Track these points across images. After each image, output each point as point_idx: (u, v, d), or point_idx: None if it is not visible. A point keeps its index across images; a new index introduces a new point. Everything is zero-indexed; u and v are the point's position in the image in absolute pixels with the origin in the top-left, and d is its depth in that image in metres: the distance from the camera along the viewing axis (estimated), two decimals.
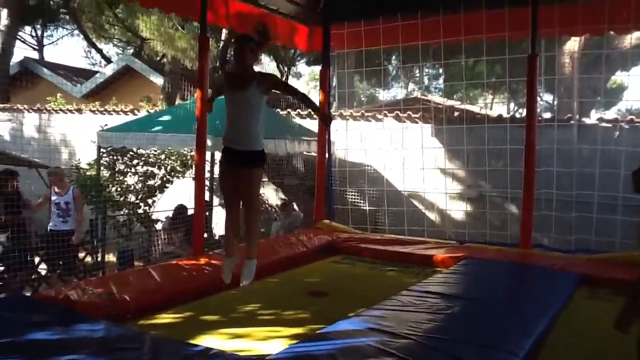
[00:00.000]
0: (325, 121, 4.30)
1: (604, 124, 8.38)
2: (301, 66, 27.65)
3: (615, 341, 3.26)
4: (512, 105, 23.53)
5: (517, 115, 9.82)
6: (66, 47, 66.32)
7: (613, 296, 4.90)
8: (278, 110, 11.25)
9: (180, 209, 8.59)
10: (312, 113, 3.78)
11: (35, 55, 23.74)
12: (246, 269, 4.15)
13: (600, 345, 3.84)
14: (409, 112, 9.76)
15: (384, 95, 24.63)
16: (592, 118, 9.09)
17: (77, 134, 12.26)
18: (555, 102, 14.54)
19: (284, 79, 26.28)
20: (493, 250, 6.53)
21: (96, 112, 12.67)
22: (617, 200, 7.08)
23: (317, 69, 17.03)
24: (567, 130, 8.32)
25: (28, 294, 5.99)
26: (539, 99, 8.04)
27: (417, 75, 21.57)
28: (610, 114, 12.13)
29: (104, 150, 9.07)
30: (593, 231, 6.97)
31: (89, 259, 8.20)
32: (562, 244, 7.11)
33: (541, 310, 4.29)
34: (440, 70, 21.57)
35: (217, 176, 4.51)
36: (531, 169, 6.70)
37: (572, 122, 8.52)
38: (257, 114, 3.99)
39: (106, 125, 9.47)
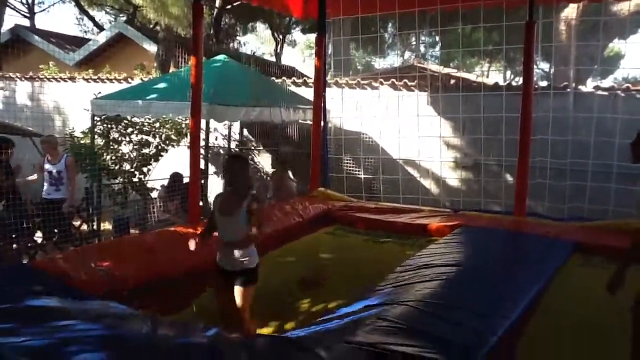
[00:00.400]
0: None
1: (600, 92, 8.36)
2: (296, 34, 27.35)
3: (608, 307, 3.31)
4: (508, 73, 23.43)
5: (514, 84, 9.75)
6: (58, 15, 65.21)
7: (606, 263, 4.96)
8: (273, 78, 11.16)
9: (176, 177, 8.58)
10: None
11: (26, 22, 23.37)
12: None
13: (593, 311, 3.91)
14: (405, 80, 9.69)
15: (380, 63, 24.45)
16: (589, 86, 9.06)
17: (70, 102, 12.15)
18: (552, 70, 14.46)
19: (279, 47, 26.02)
20: (487, 218, 6.57)
21: (89, 80, 12.54)
22: (612, 168, 7.12)
23: (312, 36, 16.82)
24: (563, 99, 8.30)
25: (25, 262, 6.01)
26: (535, 67, 8.00)
27: (414, 42, 21.37)
28: (607, 82, 12.06)
29: (98, 119, 9.00)
30: (586, 199, 7.03)
31: (84, 226, 8.21)
32: (556, 212, 7.17)
33: (534, 277, 4.35)
34: (437, 38, 21.38)
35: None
36: (527, 137, 6.71)
37: (569, 90, 8.49)
38: (245, 234, 3.90)
39: (100, 93, 9.38)
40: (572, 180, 7.43)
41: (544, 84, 9.48)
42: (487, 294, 3.87)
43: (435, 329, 3.12)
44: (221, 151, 10.94)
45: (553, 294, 4.34)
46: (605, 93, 8.35)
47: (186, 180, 7.48)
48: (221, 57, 9.58)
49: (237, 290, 3.89)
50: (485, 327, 3.23)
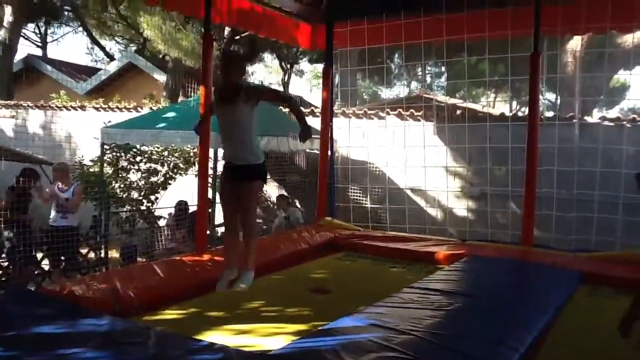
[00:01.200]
0: (303, 137, 4.22)
1: (606, 123, 8.40)
2: (304, 64, 27.66)
3: (616, 338, 3.29)
4: (514, 103, 23.57)
5: (520, 114, 9.82)
6: (69, 45, 66.35)
7: (614, 294, 4.95)
8: (280, 107, 11.27)
9: (181, 205, 8.62)
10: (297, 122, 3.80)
11: (38, 52, 23.81)
12: (243, 277, 4.23)
13: (601, 341, 3.87)
14: (411, 110, 9.78)
15: (386, 93, 24.66)
16: (595, 117, 9.11)
17: (80, 130, 12.31)
18: (558, 101, 14.55)
19: (286, 76, 26.33)
20: (494, 248, 6.56)
21: (99, 109, 12.72)
22: (618, 199, 7.11)
23: (319, 66, 17.04)
24: (569, 129, 8.33)
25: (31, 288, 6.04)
26: (541, 97, 8.06)
27: (420, 73, 21.61)
28: (613, 112, 12.13)
29: (108, 147, 9.12)
30: (594, 231, 7.00)
31: (92, 254, 8.25)
32: (562, 244, 7.13)
33: (542, 307, 4.32)
34: (443, 69, 21.63)
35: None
36: (533, 168, 6.71)
37: (574, 120, 8.53)
38: (249, 129, 4.05)
39: (110, 122, 9.52)
40: (578, 212, 7.41)
41: (550, 114, 9.54)
42: (495, 323, 3.85)
43: None
44: None
45: (561, 323, 4.31)
46: (612, 124, 8.39)
47: (193, 208, 7.52)
48: None
49: (244, 187, 3.98)
50: (493, 358, 3.21)
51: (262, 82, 20.36)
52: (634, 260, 5.72)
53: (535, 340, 3.67)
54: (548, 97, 20.41)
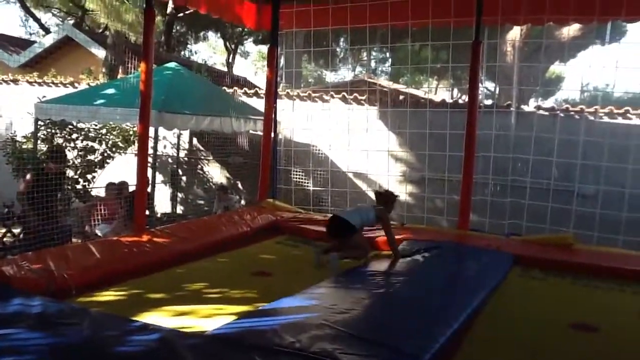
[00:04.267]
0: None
1: (541, 112, 8.72)
2: (248, 44, 27.35)
3: (545, 316, 3.44)
4: (455, 91, 24.09)
5: (460, 101, 10.05)
6: (1, 15, 63.05)
7: (543, 275, 5.20)
8: (224, 87, 11.13)
9: (120, 185, 8.36)
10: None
11: None
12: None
13: (532, 318, 4.05)
14: (355, 94, 9.84)
15: (331, 76, 24.72)
16: (531, 106, 9.43)
17: (12, 105, 11.76)
18: (497, 90, 14.97)
19: (230, 57, 25.96)
20: (432, 232, 6.73)
21: (34, 83, 12.18)
22: (549, 186, 7.42)
23: (264, 48, 16.87)
24: (506, 117, 8.61)
25: None
26: (481, 85, 8.27)
27: (365, 58, 21.73)
28: (549, 102, 12.60)
29: (42, 123, 8.76)
30: (525, 216, 7.29)
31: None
32: (497, 228, 7.40)
33: (476, 287, 4.48)
34: (388, 54, 21.83)
35: None
36: (471, 154, 6.91)
37: (512, 109, 8.81)
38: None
39: (44, 97, 9.14)
40: (512, 197, 7.70)
41: (488, 102, 9.80)
42: (430, 303, 3.97)
43: (377, 337, 3.19)
44: (169, 160, 10.80)
45: (494, 302, 4.49)
46: (546, 113, 8.71)
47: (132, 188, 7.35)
48: (172, 64, 9.50)
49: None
50: (428, 333, 3.32)
51: (205, 62, 19.98)
52: (562, 243, 6.02)
53: (467, 318, 3.79)
54: (487, 85, 20.97)
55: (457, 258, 5.74)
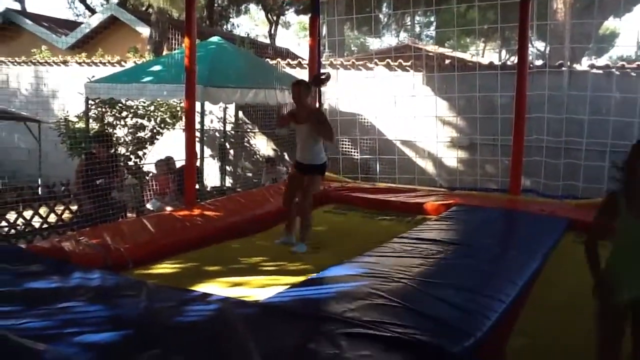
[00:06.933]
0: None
1: (594, 71, 8.36)
2: (290, 15, 27.15)
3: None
4: (504, 52, 23.37)
5: (509, 63, 9.74)
6: None
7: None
8: (267, 59, 11.11)
9: (168, 161, 8.49)
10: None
11: (17, 6, 23.11)
12: (298, 246, 5.13)
13: (586, 286, 3.94)
14: (400, 61, 9.66)
15: (375, 43, 24.34)
16: (584, 65, 9.05)
17: (64, 86, 12.09)
18: (548, 49, 14.42)
19: (272, 28, 25.87)
20: (482, 197, 6.61)
21: (82, 63, 12.46)
22: (606, 147, 7.14)
23: (306, 18, 16.67)
24: (559, 77, 8.29)
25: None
26: (530, 45, 7.97)
27: (409, 23, 21.26)
28: (603, 60, 12.05)
29: (92, 102, 8.97)
30: (581, 177, 7.05)
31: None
32: (551, 190, 7.20)
33: (529, 255, 4.38)
34: (432, 18, 21.28)
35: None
36: (521, 116, 6.71)
37: (564, 68, 8.48)
38: (316, 139, 5.27)
39: (93, 76, 9.33)
40: (566, 159, 7.45)
41: (539, 62, 9.45)
42: (481, 272, 3.90)
43: (430, 309, 3.14)
44: (217, 134, 10.92)
45: (548, 270, 4.39)
46: (600, 71, 8.35)
47: (181, 163, 7.46)
48: (215, 39, 9.53)
49: (309, 178, 5.28)
50: (481, 308, 3.25)
51: (247, 35, 19.95)
52: None
53: (519, 292, 3.71)
54: (538, 45, 20.23)
55: (509, 225, 5.63)
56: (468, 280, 3.70)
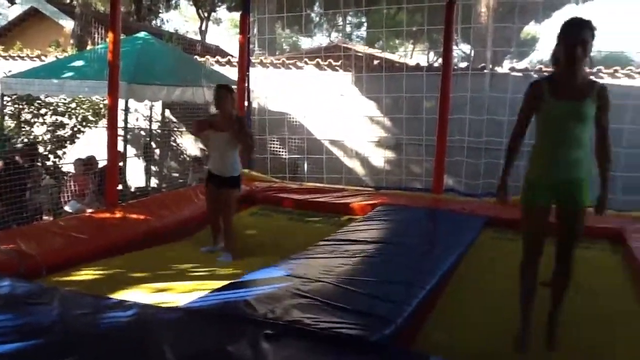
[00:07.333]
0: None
1: (514, 73, 8.72)
2: (222, 12, 26.76)
3: (515, 277, 3.48)
4: (432, 54, 23.97)
5: (436, 65, 10.00)
6: None
7: (515, 236, 5.26)
8: (196, 56, 10.92)
9: (89, 160, 8.18)
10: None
11: None
12: (223, 256, 5.03)
13: (501, 279, 4.12)
14: (330, 60, 9.74)
15: (307, 43, 24.42)
16: (505, 67, 9.42)
17: None
18: (472, 52, 14.92)
19: (203, 25, 25.47)
20: (407, 196, 6.76)
21: None
22: (523, 147, 7.45)
23: (237, 15, 16.51)
24: (480, 79, 8.59)
25: None
26: (456, 48, 8.20)
27: (341, 23, 21.45)
28: (523, 64, 12.59)
29: (8, 99, 8.54)
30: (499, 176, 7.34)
31: None
32: (471, 189, 7.46)
33: (448, 251, 4.52)
34: (364, 19, 21.58)
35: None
36: (445, 117, 6.90)
37: (486, 71, 8.80)
38: (235, 149, 5.11)
39: (10, 71, 8.89)
40: (487, 158, 7.73)
41: (464, 64, 9.77)
42: (403, 268, 4.00)
43: (352, 304, 3.20)
44: (142, 133, 10.63)
45: (465, 265, 4.58)
46: (520, 74, 8.72)
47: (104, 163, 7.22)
48: (142, 34, 9.28)
49: (226, 192, 5.09)
50: (401, 297, 3.36)
51: (176, 31, 19.55)
52: None
53: (437, 282, 3.84)
54: (464, 48, 20.89)
55: (431, 223, 5.79)
56: (389, 274, 3.81)
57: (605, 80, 8.41)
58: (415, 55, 22.53)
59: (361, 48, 14.22)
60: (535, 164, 3.21)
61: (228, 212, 5.19)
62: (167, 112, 10.65)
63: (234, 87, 8.13)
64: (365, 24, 20.74)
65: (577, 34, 2.99)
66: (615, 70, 8.73)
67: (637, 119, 7.34)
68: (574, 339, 3.42)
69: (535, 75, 8.56)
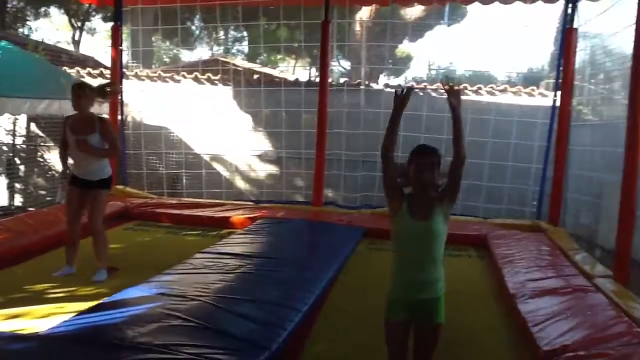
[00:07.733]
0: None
1: (388, 90, 9.10)
2: (97, 22, 25.56)
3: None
4: (313, 70, 24.44)
5: (316, 80, 10.21)
6: None
7: (388, 245, 5.46)
8: (65, 68, 10.33)
9: None
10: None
11: None
12: (98, 274, 4.54)
13: (379, 286, 4.21)
14: (208, 74, 9.61)
15: (188, 56, 24.00)
16: (380, 84, 9.80)
17: None
18: (350, 68, 15.42)
19: (77, 34, 24.22)
20: (288, 209, 6.80)
21: None
22: (397, 159, 7.79)
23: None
24: (356, 95, 8.87)
25: None
26: (337, 64, 8.42)
27: (223, 37, 21.27)
28: (398, 80, 13.20)
29: None
30: (376, 188, 7.61)
31: None
32: (350, 201, 7.66)
33: (326, 264, 4.58)
34: (245, 34, 21.56)
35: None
36: (323, 131, 7.05)
37: (361, 87, 9.10)
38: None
39: None
40: (364, 171, 7.99)
41: (343, 80, 10.06)
42: (281, 285, 3.97)
43: (227, 326, 3.12)
44: (4, 148, 9.85)
45: (344, 275, 4.68)
46: (392, 90, 9.10)
47: None
48: (2, 43, 8.61)
49: (94, 195, 4.62)
50: (277, 319, 3.30)
51: (43, 40, 18.41)
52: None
53: (319, 295, 3.87)
54: (344, 64, 21.52)
55: (310, 235, 5.85)
56: (266, 292, 3.75)
57: (470, 97, 9.02)
58: (297, 70, 22.89)
59: (240, 62, 14.20)
60: (395, 280, 3.03)
61: (96, 218, 4.65)
62: (33, 126, 9.94)
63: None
64: (247, 39, 20.75)
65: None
66: (479, 88, 9.38)
67: (499, 132, 7.90)
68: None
69: None
